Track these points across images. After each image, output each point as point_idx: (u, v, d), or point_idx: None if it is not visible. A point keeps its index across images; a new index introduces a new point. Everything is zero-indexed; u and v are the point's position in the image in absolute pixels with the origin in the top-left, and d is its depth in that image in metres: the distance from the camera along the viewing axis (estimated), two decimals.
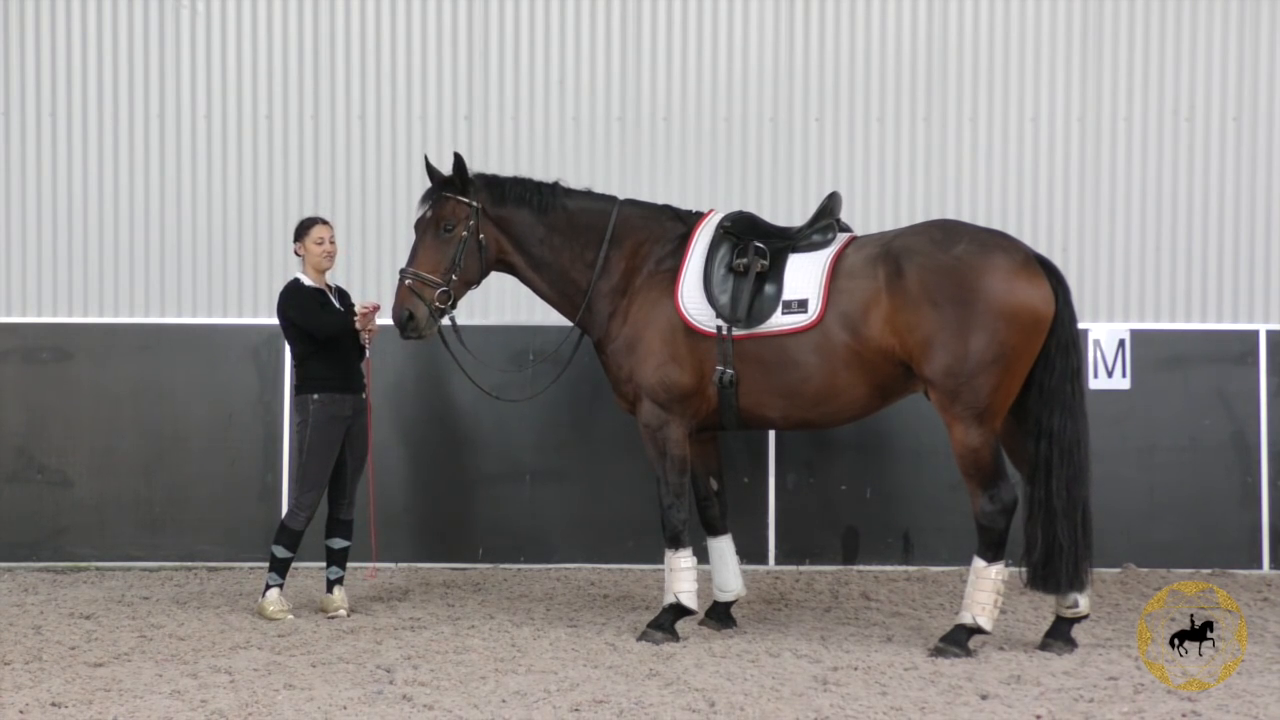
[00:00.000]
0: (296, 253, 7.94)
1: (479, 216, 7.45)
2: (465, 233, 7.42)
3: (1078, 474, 6.80)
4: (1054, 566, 6.76)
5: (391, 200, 9.65)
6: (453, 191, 7.46)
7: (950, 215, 9.34)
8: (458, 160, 7.44)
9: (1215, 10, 9.68)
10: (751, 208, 9.28)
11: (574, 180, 9.54)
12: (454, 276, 7.41)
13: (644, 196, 9.23)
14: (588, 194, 7.66)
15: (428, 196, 7.54)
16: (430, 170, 7.53)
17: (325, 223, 7.97)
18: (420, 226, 7.52)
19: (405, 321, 7.40)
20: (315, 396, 7.76)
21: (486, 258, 7.50)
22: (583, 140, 9.70)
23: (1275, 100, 9.70)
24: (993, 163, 9.72)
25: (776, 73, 9.72)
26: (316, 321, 7.73)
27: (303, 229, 7.94)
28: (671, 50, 9.73)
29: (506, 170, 9.53)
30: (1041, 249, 9.32)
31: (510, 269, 7.65)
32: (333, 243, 7.94)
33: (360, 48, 9.73)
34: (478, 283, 7.61)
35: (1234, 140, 9.71)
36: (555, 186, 7.60)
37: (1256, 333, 9.34)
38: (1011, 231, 9.32)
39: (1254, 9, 9.68)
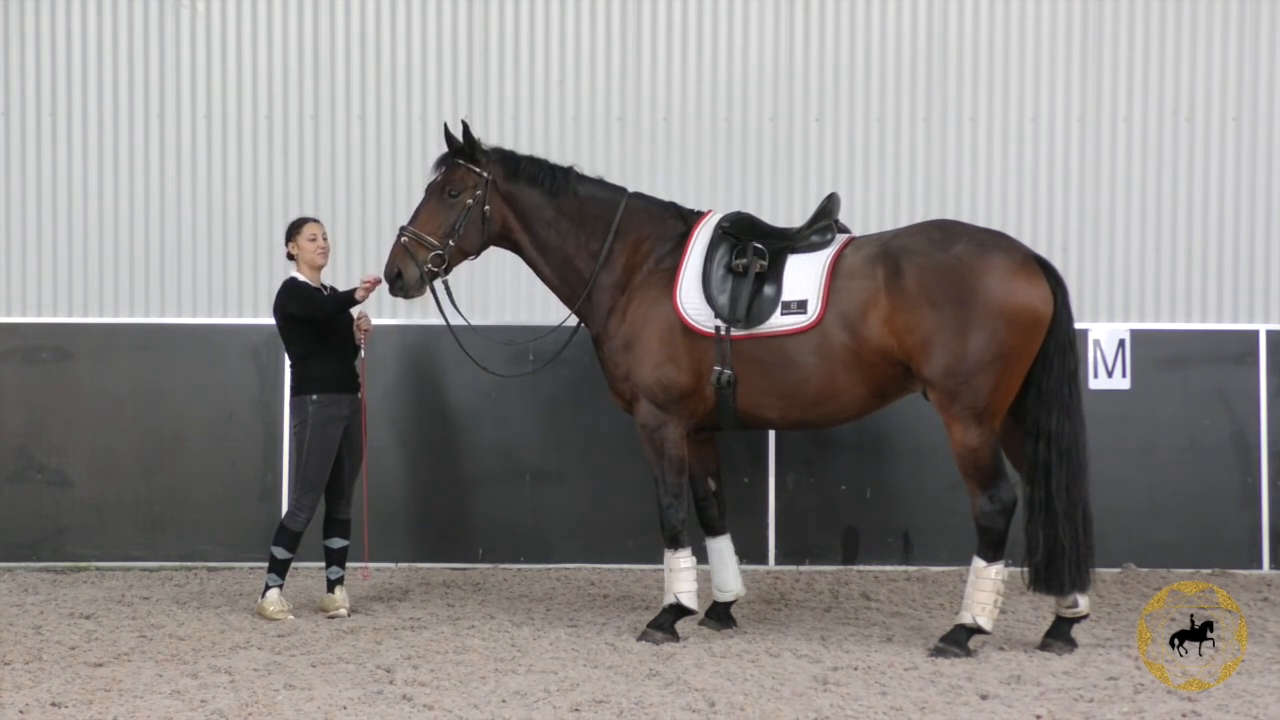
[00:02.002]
0: (290, 254, 7.94)
1: (488, 188, 7.43)
2: (471, 201, 7.40)
3: (1077, 475, 6.80)
4: (1056, 567, 6.76)
5: (392, 200, 9.64)
6: (466, 159, 7.44)
7: (950, 215, 9.34)
8: (464, 128, 7.43)
9: (1215, 10, 9.67)
10: (751, 208, 9.29)
11: None
12: (451, 242, 7.39)
13: None
14: (599, 182, 7.63)
15: (441, 161, 7.53)
16: (448, 136, 7.48)
17: (316, 221, 7.99)
18: (429, 189, 7.52)
19: (394, 279, 7.39)
20: (314, 397, 7.76)
21: (489, 230, 7.47)
22: (583, 140, 9.69)
23: (1275, 100, 9.70)
24: (993, 163, 9.72)
25: (776, 73, 9.72)
26: (317, 304, 7.69)
27: (294, 228, 7.95)
28: (671, 50, 9.73)
29: None
30: (1041, 249, 9.31)
31: (515, 248, 7.62)
32: (326, 239, 7.94)
33: (360, 48, 9.73)
34: (476, 254, 7.57)
35: (1234, 140, 9.71)
36: (569, 171, 7.57)
37: (1256, 333, 9.34)
38: (1011, 231, 9.32)
39: (1254, 9, 9.67)
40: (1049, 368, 6.83)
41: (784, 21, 9.72)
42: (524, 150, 9.51)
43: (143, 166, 9.73)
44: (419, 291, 7.43)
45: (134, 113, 9.72)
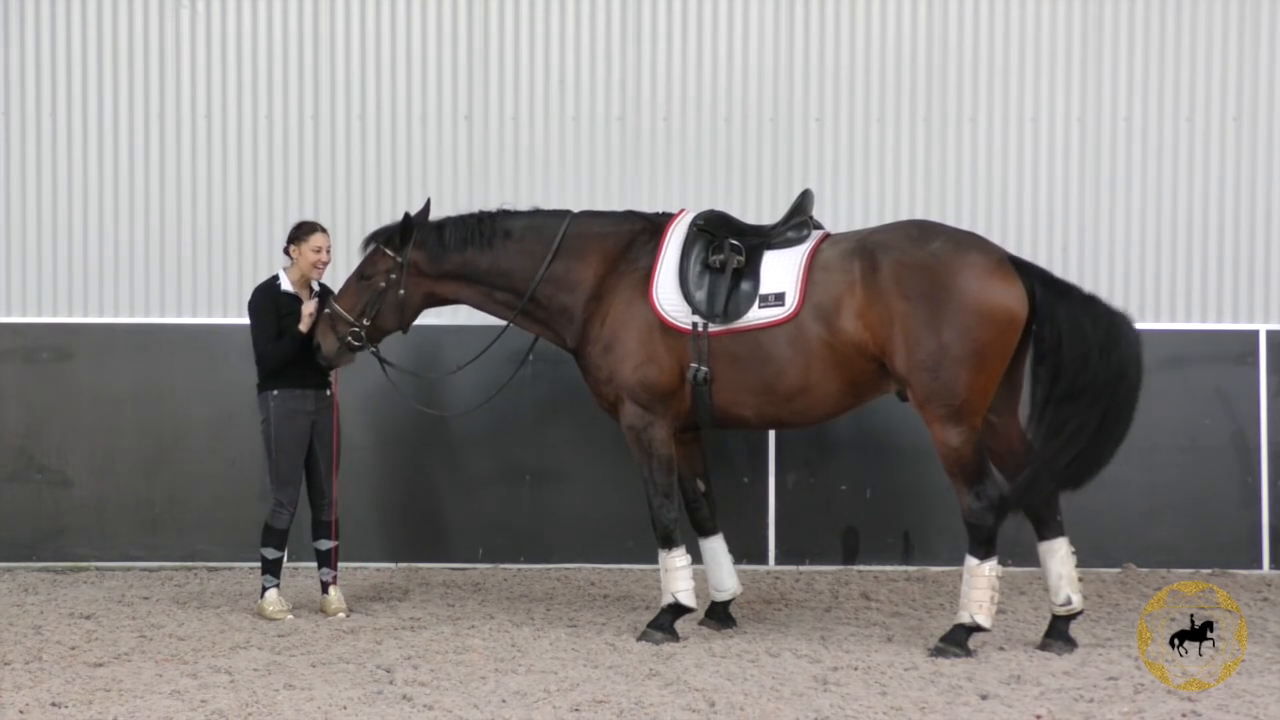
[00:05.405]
0: (288, 253, 7.93)
1: (404, 272, 7.56)
2: (384, 284, 7.59)
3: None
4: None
5: (391, 201, 9.63)
6: (385, 242, 7.59)
7: (950, 215, 9.33)
8: (405, 220, 7.58)
9: (1215, 10, 9.67)
10: (752, 207, 9.32)
11: (574, 181, 9.58)
12: (366, 321, 7.60)
13: (644, 196, 9.30)
14: (536, 213, 7.71)
15: (365, 242, 7.77)
16: (407, 221, 7.63)
17: (326, 231, 7.98)
18: (358, 266, 7.75)
19: (315, 350, 7.69)
20: (274, 393, 7.78)
21: (408, 309, 7.66)
22: (583, 140, 9.69)
23: (1275, 100, 9.69)
24: (993, 163, 9.71)
25: (776, 73, 9.72)
26: (264, 349, 7.78)
27: (302, 233, 7.91)
28: (671, 50, 9.73)
29: (506, 171, 9.61)
30: (1041, 249, 9.36)
31: (459, 303, 7.79)
32: (329, 253, 7.94)
33: (360, 48, 9.72)
34: (400, 329, 7.75)
35: (1234, 140, 9.71)
36: (496, 215, 7.65)
37: (1256, 333, 9.34)
38: (1012, 232, 9.39)
39: (1254, 9, 9.67)
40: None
41: (784, 22, 9.71)
42: (524, 150, 9.66)
43: (143, 166, 9.73)
44: (341, 361, 7.75)
45: (134, 113, 9.72)
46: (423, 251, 7.59)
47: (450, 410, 8.93)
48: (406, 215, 7.64)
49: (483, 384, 8.88)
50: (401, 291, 7.59)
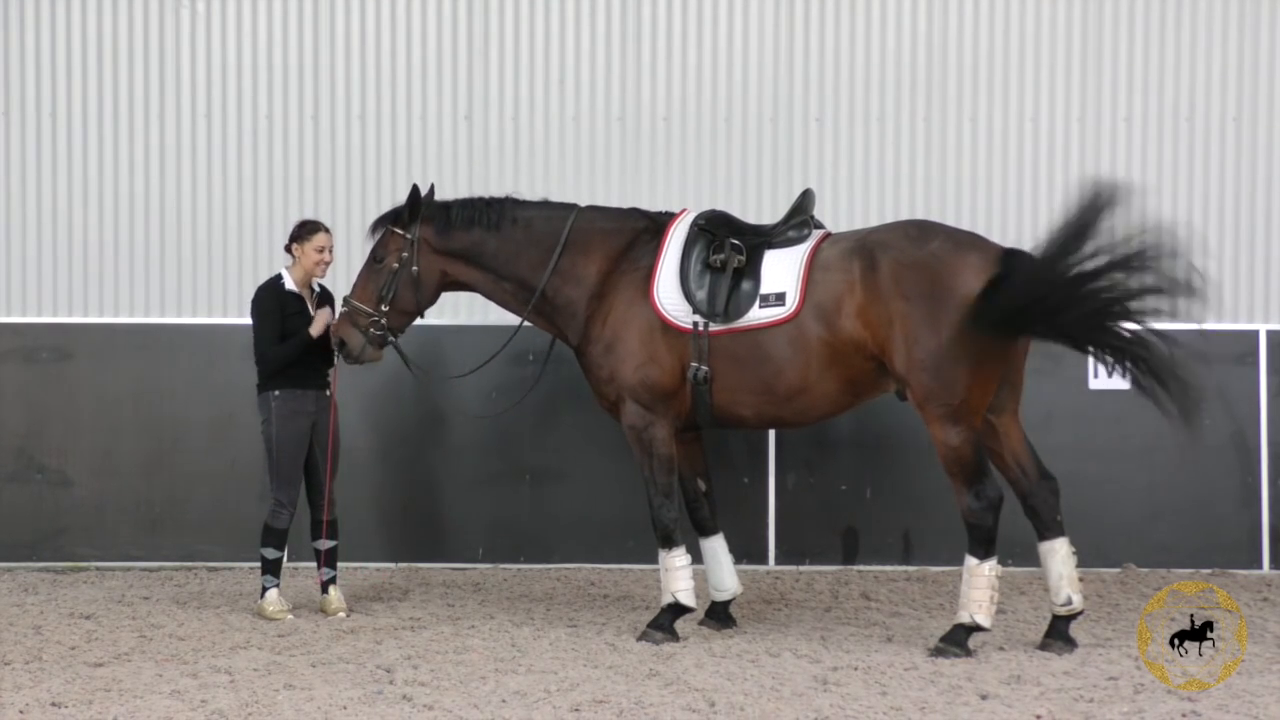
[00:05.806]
0: (290, 250, 7.93)
1: (415, 249, 7.54)
2: (396, 264, 7.56)
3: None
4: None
5: (392, 201, 9.60)
6: (394, 222, 7.59)
7: (950, 215, 9.34)
8: (413, 194, 7.55)
9: (1215, 10, 9.68)
10: (752, 207, 9.32)
11: (574, 181, 9.58)
12: (384, 307, 7.55)
13: (644, 196, 9.27)
14: (544, 204, 7.72)
15: (372, 227, 7.74)
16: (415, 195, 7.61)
17: (329, 231, 7.97)
18: (370, 252, 7.72)
19: (339, 348, 7.64)
20: (276, 393, 7.78)
21: (425, 288, 7.61)
22: (583, 140, 9.70)
23: (1275, 100, 9.70)
24: (993, 163, 9.72)
25: (776, 73, 9.73)
26: (269, 350, 7.77)
27: (305, 231, 7.90)
28: (671, 50, 9.73)
29: (506, 170, 9.62)
30: None
31: (471, 288, 7.74)
32: (332, 253, 7.95)
33: (360, 48, 9.73)
34: (420, 312, 7.71)
35: (1234, 140, 9.71)
36: (505, 201, 7.64)
37: (1256, 333, 9.34)
38: (1012, 232, 9.38)
39: (1254, 9, 9.68)
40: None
41: (784, 22, 9.72)
42: (524, 150, 9.68)
43: (143, 166, 9.74)
44: (369, 357, 7.65)
45: (134, 113, 9.73)
46: (431, 227, 7.58)
47: (472, 412, 8.95)
48: (415, 187, 7.59)
49: (484, 383, 8.90)
50: (415, 268, 7.55)
